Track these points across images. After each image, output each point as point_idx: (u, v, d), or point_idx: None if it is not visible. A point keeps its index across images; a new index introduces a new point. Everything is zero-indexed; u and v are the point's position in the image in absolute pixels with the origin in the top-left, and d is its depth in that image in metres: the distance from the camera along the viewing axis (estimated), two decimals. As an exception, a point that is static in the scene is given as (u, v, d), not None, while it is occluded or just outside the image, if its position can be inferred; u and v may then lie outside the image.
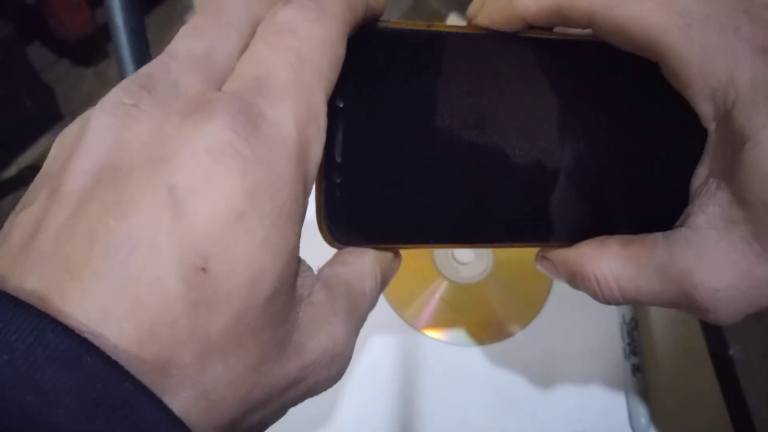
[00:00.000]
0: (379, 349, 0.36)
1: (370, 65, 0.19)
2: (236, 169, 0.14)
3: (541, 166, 0.21)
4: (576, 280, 0.21)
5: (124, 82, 0.15)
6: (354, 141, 0.19)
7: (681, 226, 0.20)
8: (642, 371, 0.36)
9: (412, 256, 0.39)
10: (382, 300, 0.37)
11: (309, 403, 0.37)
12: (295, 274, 0.16)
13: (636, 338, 0.37)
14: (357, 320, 0.19)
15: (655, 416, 0.35)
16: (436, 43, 0.20)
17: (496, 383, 0.36)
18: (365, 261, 0.20)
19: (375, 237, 0.20)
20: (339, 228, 0.20)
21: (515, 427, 0.35)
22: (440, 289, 0.38)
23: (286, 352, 0.15)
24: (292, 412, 0.34)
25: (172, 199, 0.13)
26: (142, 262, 0.13)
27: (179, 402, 0.13)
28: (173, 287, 0.13)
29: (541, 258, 0.23)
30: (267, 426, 0.17)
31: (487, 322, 0.38)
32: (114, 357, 0.12)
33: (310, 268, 0.18)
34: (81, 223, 0.13)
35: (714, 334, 0.38)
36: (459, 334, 0.37)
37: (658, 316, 0.39)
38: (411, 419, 0.35)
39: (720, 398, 0.36)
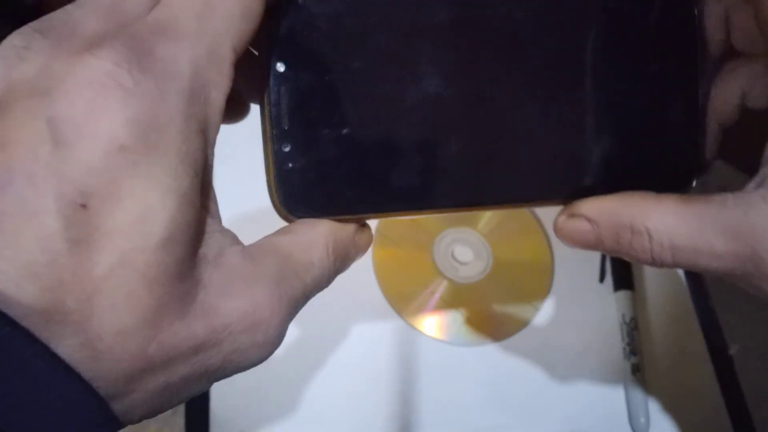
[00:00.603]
0: (378, 348, 0.36)
1: (313, 26, 0.18)
2: (117, 101, 0.13)
3: (525, 114, 0.20)
4: (622, 236, 0.19)
5: (22, 27, 0.15)
6: (301, 106, 0.19)
7: (757, 188, 0.18)
8: (641, 371, 0.36)
9: (411, 256, 0.39)
10: (381, 299, 0.37)
11: (306, 399, 0.37)
12: (196, 227, 0.15)
13: (635, 338, 0.37)
14: (294, 290, 0.18)
15: (654, 415, 0.35)
16: None
17: (495, 383, 0.36)
18: (315, 231, 0.19)
19: (330, 208, 0.19)
20: (291, 200, 0.19)
21: (515, 426, 0.35)
22: (440, 288, 0.38)
23: (190, 311, 0.15)
24: (291, 407, 0.34)
25: (51, 131, 0.13)
26: (17, 196, 0.12)
27: (64, 350, 0.13)
28: (51, 223, 0.12)
29: (570, 216, 0.20)
30: (181, 394, 0.16)
31: (486, 321, 0.38)
32: None
33: (225, 231, 0.17)
34: None
35: (713, 334, 0.38)
36: (458, 334, 0.37)
37: (657, 316, 0.39)
38: (410, 418, 0.35)
39: (719, 398, 0.36)
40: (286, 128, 0.19)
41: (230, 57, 0.16)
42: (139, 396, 0.14)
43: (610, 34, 0.20)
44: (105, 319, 0.13)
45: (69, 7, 0.15)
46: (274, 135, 0.19)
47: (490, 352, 0.37)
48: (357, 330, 0.37)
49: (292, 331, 0.36)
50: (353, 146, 0.19)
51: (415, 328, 0.37)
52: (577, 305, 0.39)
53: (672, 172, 0.20)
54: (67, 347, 0.13)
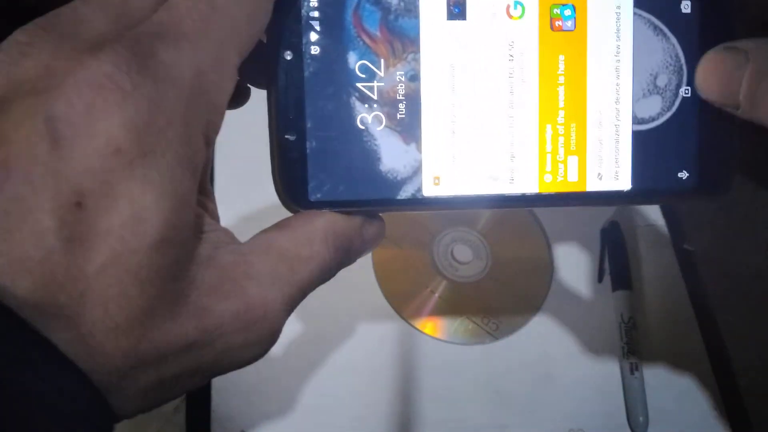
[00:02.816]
0: (377, 347, 0.36)
1: (320, 14, 0.19)
2: (116, 103, 0.13)
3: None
4: None
5: (28, 24, 0.15)
6: (306, 95, 0.19)
7: None
8: (640, 370, 0.36)
9: (410, 255, 0.39)
10: (380, 298, 0.38)
11: (307, 398, 0.37)
12: (191, 228, 0.15)
13: (634, 337, 0.37)
14: (289, 287, 0.18)
15: (652, 415, 0.35)
16: None
17: (494, 382, 0.36)
18: (312, 224, 0.19)
19: (335, 199, 0.19)
20: (295, 190, 0.19)
21: (514, 425, 0.35)
22: (439, 288, 0.38)
23: (181, 311, 0.15)
24: (291, 407, 0.34)
25: (49, 130, 0.13)
26: (14, 193, 0.13)
27: (57, 343, 0.13)
28: (46, 221, 0.13)
29: (725, 49, 0.19)
30: (174, 390, 0.16)
31: (485, 320, 0.38)
32: None
33: (221, 230, 0.17)
34: None
35: (711, 333, 0.39)
36: (457, 333, 0.37)
37: (656, 316, 0.39)
38: (409, 417, 0.35)
39: (717, 397, 0.37)
40: (292, 117, 0.19)
41: (234, 60, 0.16)
42: (132, 392, 0.15)
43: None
44: (97, 316, 0.13)
45: (75, 4, 0.15)
46: (279, 123, 0.19)
47: (489, 351, 0.37)
48: (357, 329, 0.37)
49: (293, 330, 0.36)
50: (358, 138, 0.19)
51: (414, 328, 0.37)
52: (576, 305, 0.39)
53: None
54: (60, 341, 0.13)
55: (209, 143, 0.16)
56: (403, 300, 0.38)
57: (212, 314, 0.16)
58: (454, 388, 0.36)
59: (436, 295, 0.38)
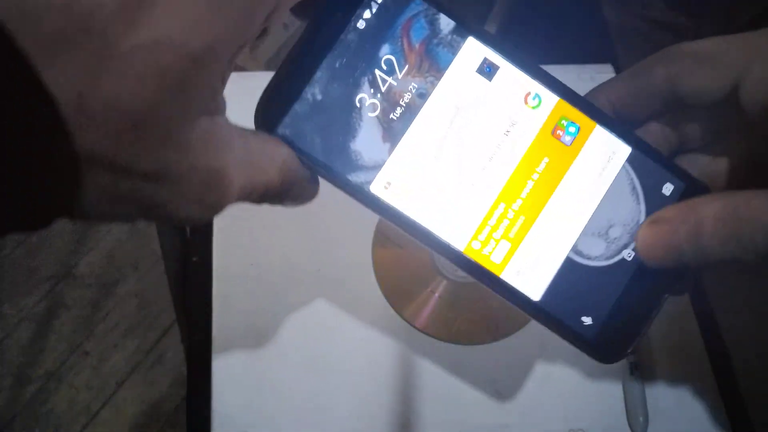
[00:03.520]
0: (378, 347, 0.36)
1: (382, 2, 0.20)
2: None
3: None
4: (743, 231, 0.19)
5: None
6: (331, 51, 0.21)
7: None
8: (640, 370, 0.36)
9: (411, 255, 0.39)
10: (381, 299, 0.38)
11: (307, 399, 0.37)
12: (223, 70, 0.16)
13: (634, 337, 0.37)
14: (247, 178, 0.18)
15: (652, 415, 0.35)
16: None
17: (494, 382, 0.36)
18: (279, 149, 0.20)
19: (297, 144, 0.21)
20: (273, 114, 0.20)
21: (514, 425, 0.35)
22: (439, 288, 0.38)
23: (170, 136, 0.15)
24: (292, 407, 0.34)
25: None
26: None
27: (52, 77, 0.13)
28: None
29: (651, 223, 0.21)
30: (122, 209, 0.16)
31: (485, 320, 0.38)
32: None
33: (225, 101, 0.18)
34: None
35: (712, 333, 0.39)
36: (458, 333, 0.37)
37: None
38: (410, 418, 0.35)
39: (717, 397, 0.37)
40: (308, 58, 0.20)
41: None
42: (89, 183, 0.15)
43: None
44: (106, 88, 0.14)
45: None
46: (296, 55, 0.20)
47: (489, 351, 0.37)
48: (357, 330, 0.37)
49: (293, 330, 0.36)
50: (348, 109, 0.21)
51: (414, 328, 0.37)
52: (576, 305, 0.39)
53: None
54: (58, 85, 0.13)
55: (263, 23, 0.17)
56: (403, 300, 0.38)
57: (188, 156, 0.16)
58: (453, 389, 0.36)
59: (436, 295, 0.38)
